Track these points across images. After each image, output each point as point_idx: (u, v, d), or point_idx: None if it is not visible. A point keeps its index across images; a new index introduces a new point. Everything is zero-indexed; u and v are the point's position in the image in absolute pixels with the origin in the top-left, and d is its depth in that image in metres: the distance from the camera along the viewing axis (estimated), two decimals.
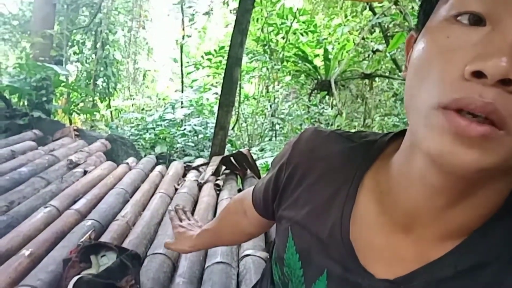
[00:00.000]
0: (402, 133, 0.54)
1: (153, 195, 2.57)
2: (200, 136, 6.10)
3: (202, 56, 7.92)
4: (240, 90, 7.53)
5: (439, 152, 0.39)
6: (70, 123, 6.55)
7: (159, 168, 3.11)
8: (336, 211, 0.56)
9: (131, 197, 2.48)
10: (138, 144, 5.95)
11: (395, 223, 0.51)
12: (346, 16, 7.71)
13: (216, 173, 2.98)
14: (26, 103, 5.63)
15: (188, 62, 8.19)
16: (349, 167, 0.57)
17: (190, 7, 7.61)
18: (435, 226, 0.48)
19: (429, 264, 0.48)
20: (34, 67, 5.03)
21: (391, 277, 0.50)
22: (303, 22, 7.56)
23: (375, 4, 5.89)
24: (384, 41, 6.29)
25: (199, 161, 3.41)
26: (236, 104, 7.28)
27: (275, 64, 7.42)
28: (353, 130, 0.64)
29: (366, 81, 7.58)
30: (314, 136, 0.63)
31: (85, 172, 2.82)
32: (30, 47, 6.44)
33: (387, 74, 7.04)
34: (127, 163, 3.12)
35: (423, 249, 0.49)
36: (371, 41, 6.90)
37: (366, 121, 7.58)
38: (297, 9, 7.32)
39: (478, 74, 0.36)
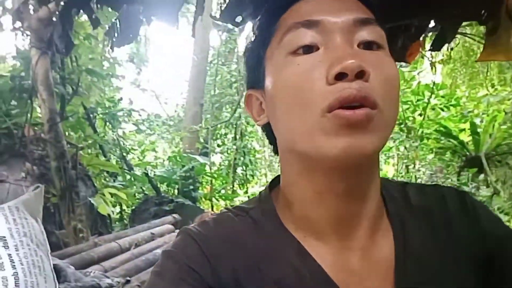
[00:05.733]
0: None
1: None
2: None
3: None
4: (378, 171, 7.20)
5: (343, 149, 0.45)
6: (212, 209, 7.01)
7: None
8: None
9: None
10: None
11: (341, 242, 0.53)
12: (493, 86, 7.00)
13: None
14: (176, 191, 6.29)
15: None
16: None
17: None
18: (364, 226, 0.53)
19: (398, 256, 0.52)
20: (181, 158, 5.67)
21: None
22: (442, 97, 7.11)
23: None
24: None
25: None
26: None
27: (413, 142, 6.99)
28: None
29: None
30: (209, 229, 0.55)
31: None
32: (181, 141, 7.33)
33: None
34: None
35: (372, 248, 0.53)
36: None
37: None
38: (434, 83, 6.94)
39: (339, 77, 0.45)
